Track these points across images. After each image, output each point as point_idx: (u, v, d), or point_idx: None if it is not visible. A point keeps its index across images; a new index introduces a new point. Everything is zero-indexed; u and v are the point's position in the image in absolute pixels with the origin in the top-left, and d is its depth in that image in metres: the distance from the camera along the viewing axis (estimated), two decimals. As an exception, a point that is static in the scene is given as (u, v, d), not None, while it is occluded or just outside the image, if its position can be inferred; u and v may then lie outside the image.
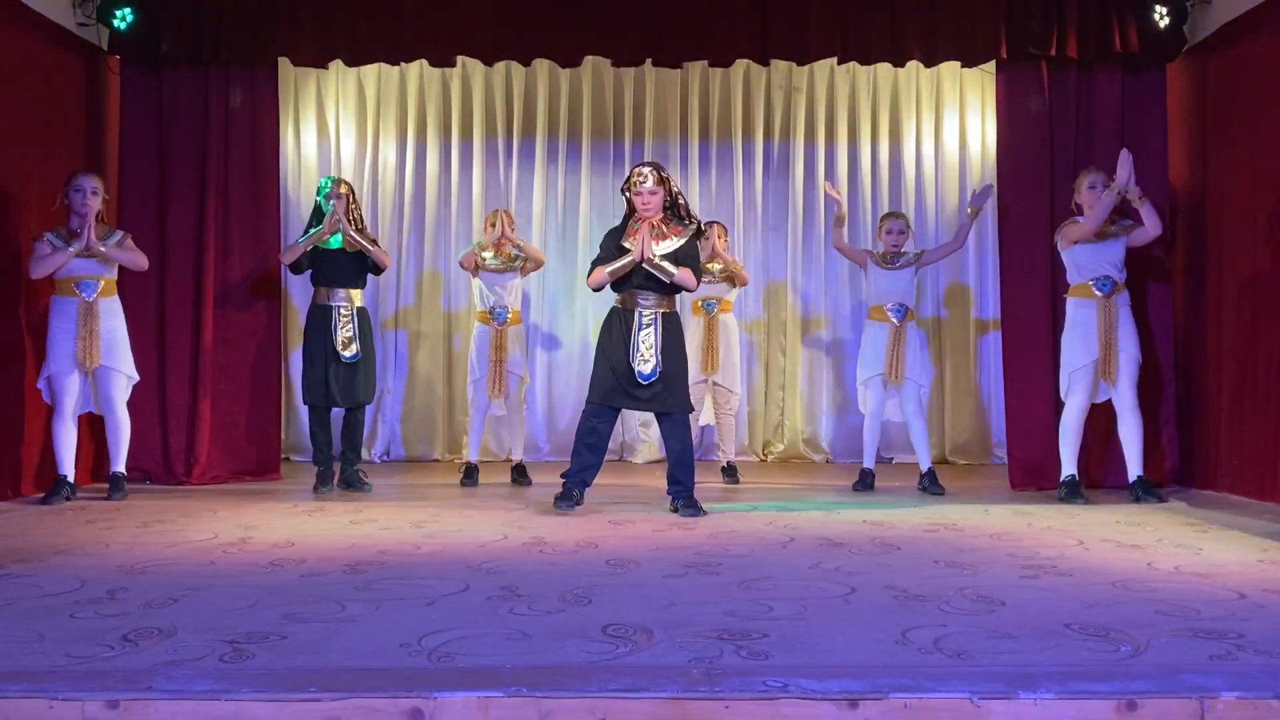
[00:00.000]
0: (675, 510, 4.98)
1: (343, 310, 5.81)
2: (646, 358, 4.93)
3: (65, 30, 5.90)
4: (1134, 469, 5.49)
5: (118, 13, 6.01)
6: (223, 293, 6.24)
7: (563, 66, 6.89)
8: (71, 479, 5.35)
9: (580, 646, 2.55)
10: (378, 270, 6.02)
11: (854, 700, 2.17)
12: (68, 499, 5.26)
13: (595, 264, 5.12)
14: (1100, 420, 5.72)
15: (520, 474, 6.33)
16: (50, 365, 5.30)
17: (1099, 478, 5.97)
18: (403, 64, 7.11)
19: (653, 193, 5.00)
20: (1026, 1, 6.06)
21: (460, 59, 6.80)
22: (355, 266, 5.89)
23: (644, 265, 4.94)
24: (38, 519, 4.72)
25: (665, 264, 4.96)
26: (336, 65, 6.76)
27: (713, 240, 6.25)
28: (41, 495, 5.33)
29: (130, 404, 5.65)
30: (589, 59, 6.80)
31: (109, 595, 3.09)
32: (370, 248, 5.84)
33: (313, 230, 5.83)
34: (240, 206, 6.30)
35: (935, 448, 7.62)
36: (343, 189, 5.89)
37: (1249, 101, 5.59)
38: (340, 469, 5.90)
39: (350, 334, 5.77)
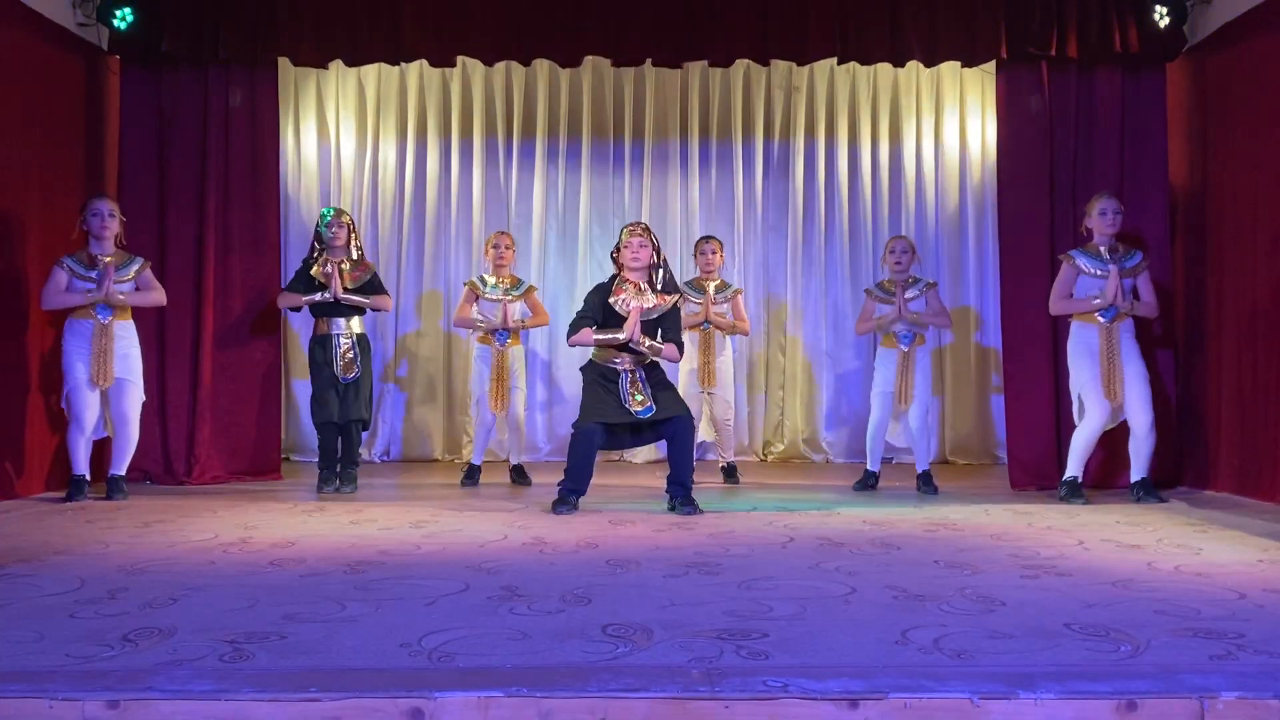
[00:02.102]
0: (673, 509, 5.00)
1: (343, 338, 5.87)
2: (640, 399, 5.04)
3: (65, 30, 5.90)
4: (1137, 473, 5.48)
5: (118, 13, 6.01)
6: (222, 293, 6.24)
7: (563, 66, 6.90)
8: (88, 478, 5.44)
9: (580, 646, 2.55)
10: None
11: (854, 700, 2.17)
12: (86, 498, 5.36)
13: (579, 320, 5.13)
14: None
15: (520, 475, 6.34)
16: (67, 383, 5.37)
17: (1100, 478, 5.96)
18: (403, 64, 7.11)
19: (642, 246, 5.09)
20: (1026, 1, 6.07)
21: (460, 59, 6.80)
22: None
23: (631, 345, 5.02)
24: (38, 519, 4.72)
25: (653, 343, 5.06)
26: (336, 65, 6.76)
27: (706, 304, 6.22)
28: (63, 495, 5.40)
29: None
30: (589, 59, 6.80)
31: (109, 595, 3.09)
32: (367, 301, 5.91)
33: (317, 289, 5.84)
34: (240, 206, 6.30)
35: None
36: (344, 219, 5.93)
37: (1249, 101, 5.59)
38: (339, 474, 5.91)
39: (350, 358, 5.86)
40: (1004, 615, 2.89)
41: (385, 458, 7.78)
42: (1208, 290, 5.93)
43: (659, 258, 5.18)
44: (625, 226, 5.24)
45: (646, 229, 5.18)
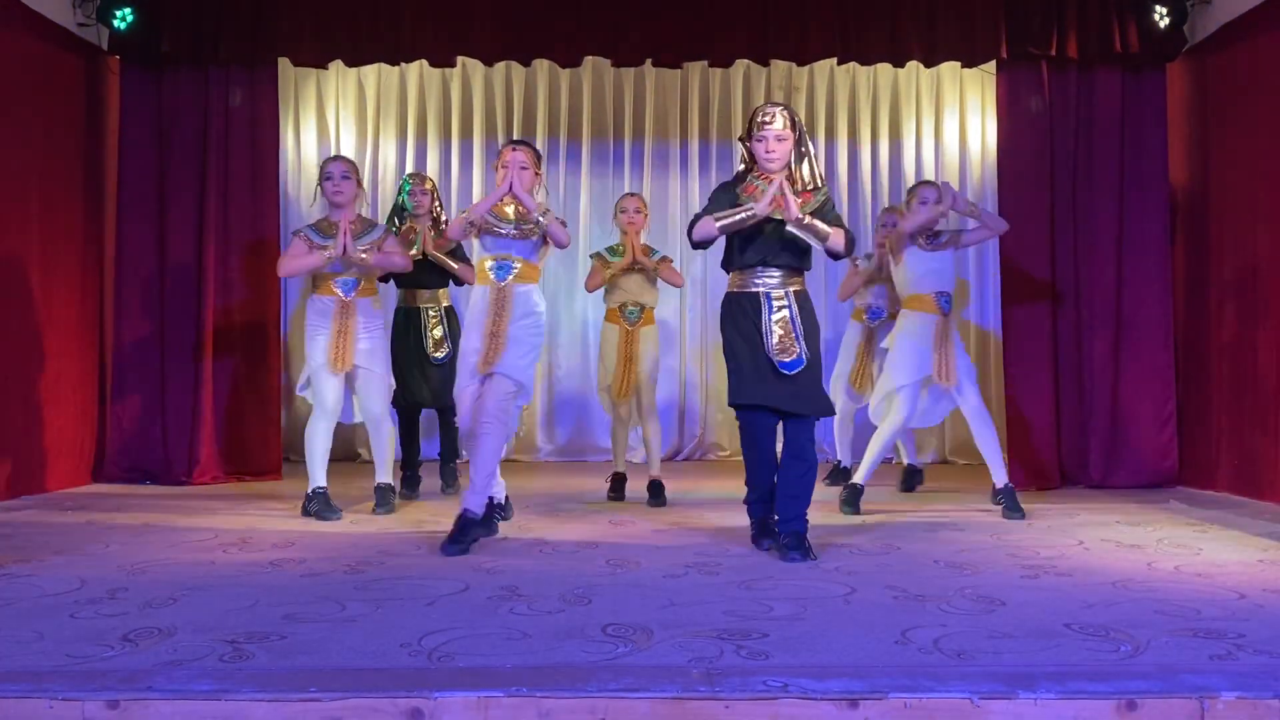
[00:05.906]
0: (774, 549, 3.88)
1: (431, 312, 5.55)
2: (786, 345, 3.85)
3: (65, 30, 5.89)
4: (997, 477, 4.94)
5: (118, 13, 6.00)
6: (223, 293, 6.24)
7: (563, 66, 6.90)
8: (327, 491, 4.85)
9: (580, 646, 2.55)
10: (459, 282, 5.60)
11: (854, 700, 2.17)
12: (318, 513, 4.76)
13: (701, 215, 3.96)
14: (1101, 419, 5.72)
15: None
16: (310, 363, 4.87)
17: (1100, 478, 5.97)
18: (403, 64, 7.11)
19: (780, 138, 3.89)
20: (1026, 1, 6.07)
21: (460, 59, 6.80)
22: (438, 268, 5.54)
23: (789, 227, 3.84)
24: (38, 519, 4.72)
25: (815, 222, 3.85)
26: (336, 65, 6.76)
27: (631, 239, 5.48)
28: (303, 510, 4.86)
29: (131, 404, 5.62)
30: (589, 59, 6.80)
31: (109, 595, 3.10)
32: (454, 267, 5.45)
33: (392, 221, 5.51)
34: (240, 206, 6.30)
35: (935, 448, 7.62)
36: (427, 185, 5.63)
37: (1249, 101, 5.59)
38: (441, 471, 5.70)
39: (441, 334, 5.53)
40: (1004, 615, 2.89)
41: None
42: (1207, 290, 5.93)
43: (803, 148, 3.95)
44: (758, 109, 3.99)
45: (789, 116, 3.92)
